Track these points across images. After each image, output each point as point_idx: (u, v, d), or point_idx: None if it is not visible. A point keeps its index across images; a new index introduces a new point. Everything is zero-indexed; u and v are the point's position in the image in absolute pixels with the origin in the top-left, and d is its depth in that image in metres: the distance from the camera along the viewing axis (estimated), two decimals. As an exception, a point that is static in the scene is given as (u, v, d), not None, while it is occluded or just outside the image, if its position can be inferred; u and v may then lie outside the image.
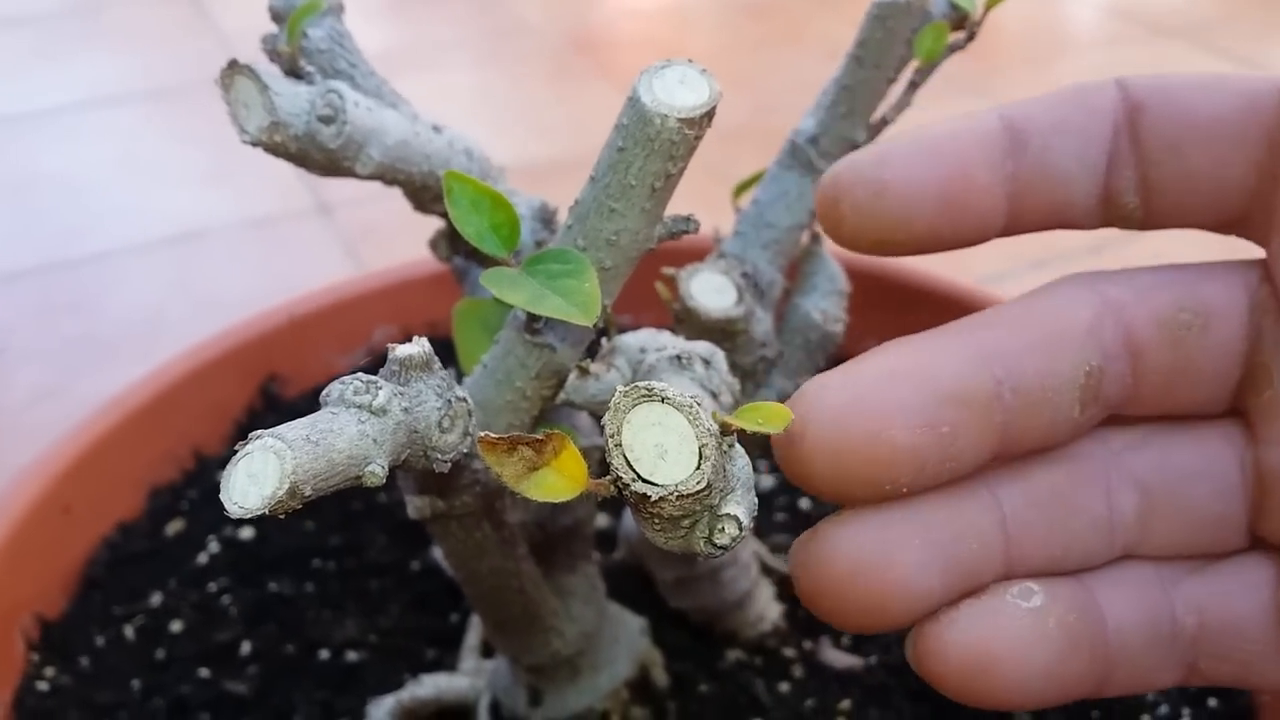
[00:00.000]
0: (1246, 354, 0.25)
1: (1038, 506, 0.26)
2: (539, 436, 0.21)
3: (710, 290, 0.37)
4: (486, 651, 0.47)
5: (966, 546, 0.25)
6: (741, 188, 0.42)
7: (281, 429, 0.20)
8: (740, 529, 0.21)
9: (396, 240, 0.69)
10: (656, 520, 0.21)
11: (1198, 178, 0.25)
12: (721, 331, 0.37)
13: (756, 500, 0.22)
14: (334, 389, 0.22)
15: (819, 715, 0.44)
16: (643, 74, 0.25)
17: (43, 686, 0.46)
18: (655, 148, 0.25)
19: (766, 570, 0.49)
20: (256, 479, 0.20)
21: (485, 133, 0.41)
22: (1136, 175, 0.25)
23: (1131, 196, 0.25)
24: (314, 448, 0.20)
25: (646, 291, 0.38)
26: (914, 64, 0.37)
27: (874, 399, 0.23)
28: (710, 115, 0.25)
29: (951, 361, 0.24)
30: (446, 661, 0.47)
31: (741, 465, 0.22)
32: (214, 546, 0.53)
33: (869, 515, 0.24)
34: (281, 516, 0.20)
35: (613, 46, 1.31)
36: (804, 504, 0.54)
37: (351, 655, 0.48)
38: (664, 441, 0.20)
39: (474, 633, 0.48)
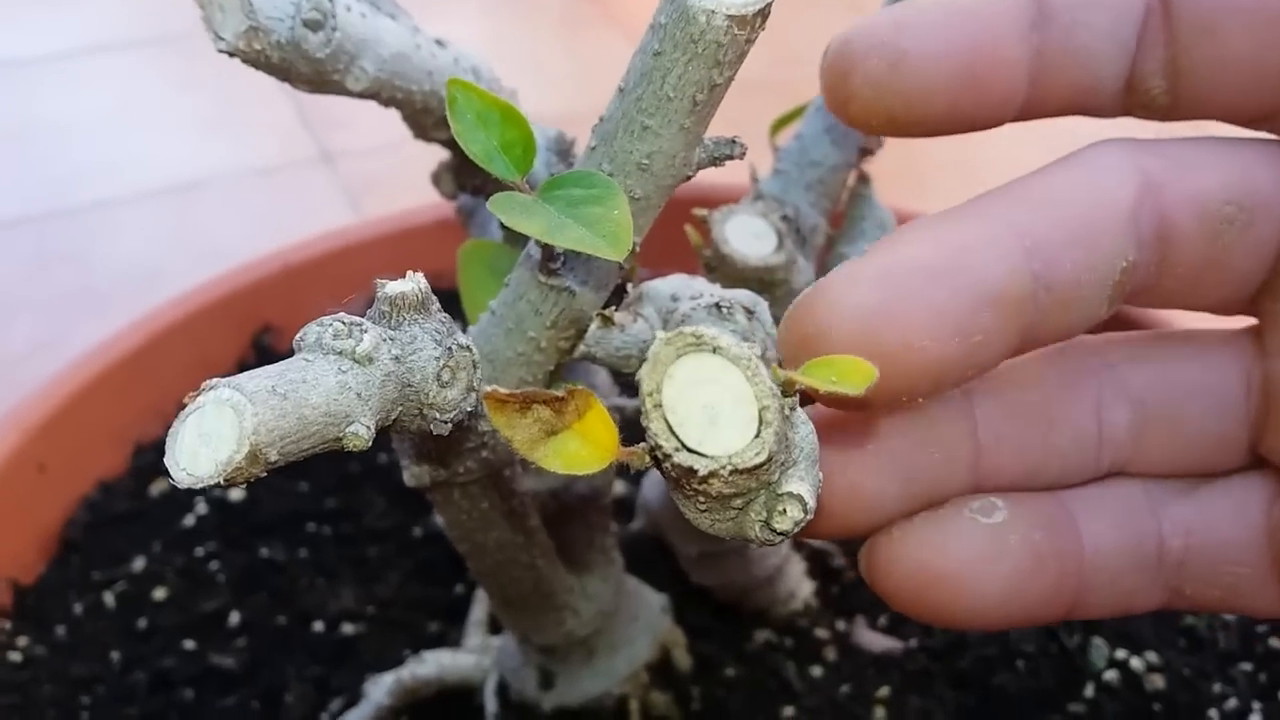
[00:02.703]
0: (1278, 256, 0.23)
1: (1015, 418, 0.24)
2: (558, 394, 0.17)
3: (747, 235, 0.33)
4: (494, 627, 0.43)
5: (928, 454, 0.23)
6: (780, 123, 0.38)
7: (241, 378, 0.17)
8: (805, 511, 0.17)
9: (401, 191, 0.66)
10: (702, 499, 0.17)
11: (1233, 63, 0.22)
12: (759, 281, 0.33)
13: (821, 475, 0.18)
14: (309, 331, 0.18)
15: (855, 703, 0.40)
16: (686, -39, 0.21)
17: (15, 657, 0.43)
18: (699, 51, 0.21)
19: (797, 544, 0.45)
20: (210, 439, 0.16)
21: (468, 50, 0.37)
22: (1166, 57, 0.23)
23: (1159, 81, 0.23)
24: (281, 401, 0.16)
25: (669, 240, 0.34)
26: None
27: (906, 304, 0.21)
28: (765, 14, 0.21)
29: (990, 257, 0.21)
30: (450, 636, 0.44)
31: (805, 433, 0.18)
32: (201, 508, 0.49)
33: (827, 420, 0.22)
34: (240, 485, 0.16)
35: (624, -6, 1.26)
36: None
37: (348, 628, 0.45)
38: (715, 402, 0.16)
39: (480, 606, 0.44)
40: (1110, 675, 0.41)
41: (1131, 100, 0.24)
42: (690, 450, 0.16)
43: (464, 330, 0.27)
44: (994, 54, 0.23)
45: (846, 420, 0.22)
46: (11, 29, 1.16)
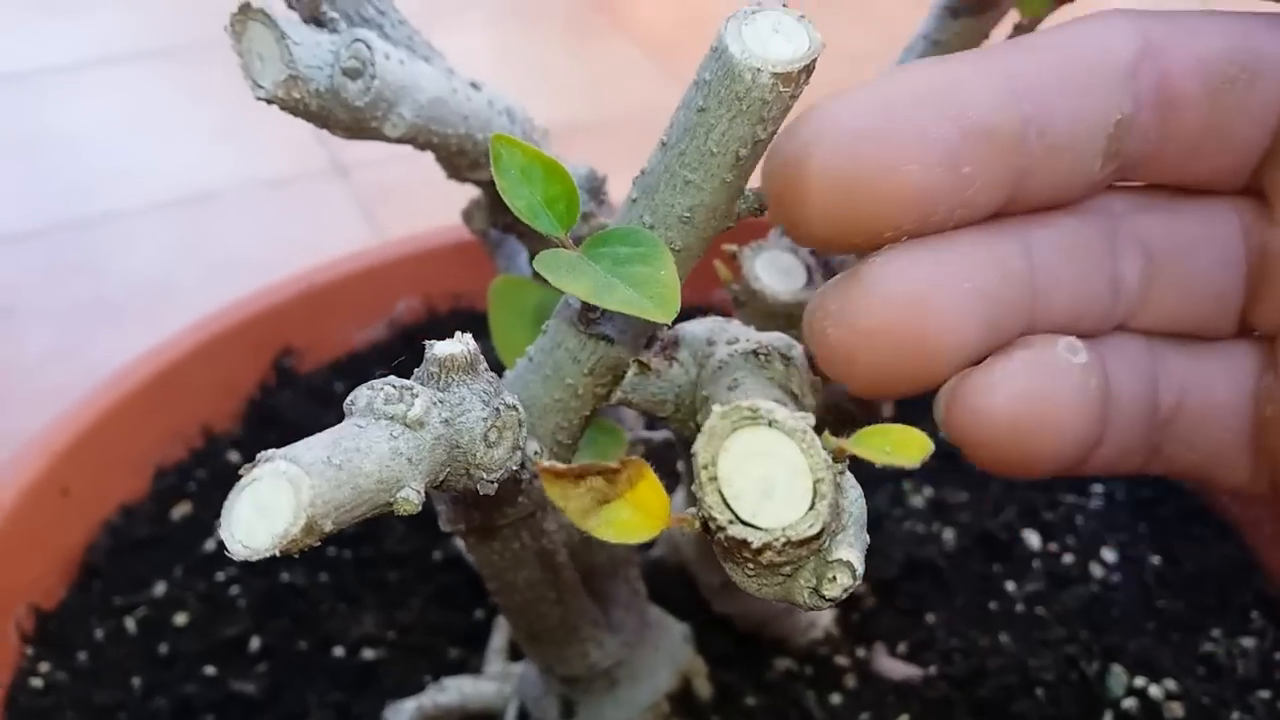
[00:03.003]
0: None
1: (1066, 258, 0.23)
2: (611, 465, 0.17)
3: (777, 270, 0.33)
4: (514, 653, 0.43)
5: (1006, 292, 0.22)
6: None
7: (297, 449, 0.17)
8: (854, 577, 0.18)
9: (416, 202, 0.66)
10: (751, 565, 0.17)
11: None
12: (788, 317, 0.33)
13: (869, 539, 0.18)
14: (360, 396, 0.18)
15: (874, 731, 0.41)
16: (729, 20, 0.21)
17: (37, 683, 0.43)
18: (744, 108, 0.21)
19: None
20: (266, 512, 0.16)
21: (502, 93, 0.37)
22: None
23: None
24: (337, 473, 0.17)
25: (702, 268, 0.34)
26: (1014, 17, 0.33)
27: (893, 126, 0.20)
28: (810, 69, 0.21)
29: (980, 89, 0.21)
30: (471, 662, 0.44)
31: (854, 498, 0.18)
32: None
33: (905, 253, 0.21)
34: (295, 556, 0.16)
35: (632, 3, 1.26)
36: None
37: (368, 653, 0.45)
38: (770, 475, 0.16)
39: (500, 633, 0.44)
40: (1129, 703, 0.41)
41: None
42: (744, 523, 0.16)
43: (500, 370, 0.27)
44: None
45: (928, 259, 0.22)
46: (23, 39, 1.16)
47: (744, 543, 0.16)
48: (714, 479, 0.16)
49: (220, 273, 0.79)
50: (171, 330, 0.53)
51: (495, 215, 0.34)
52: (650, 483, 0.17)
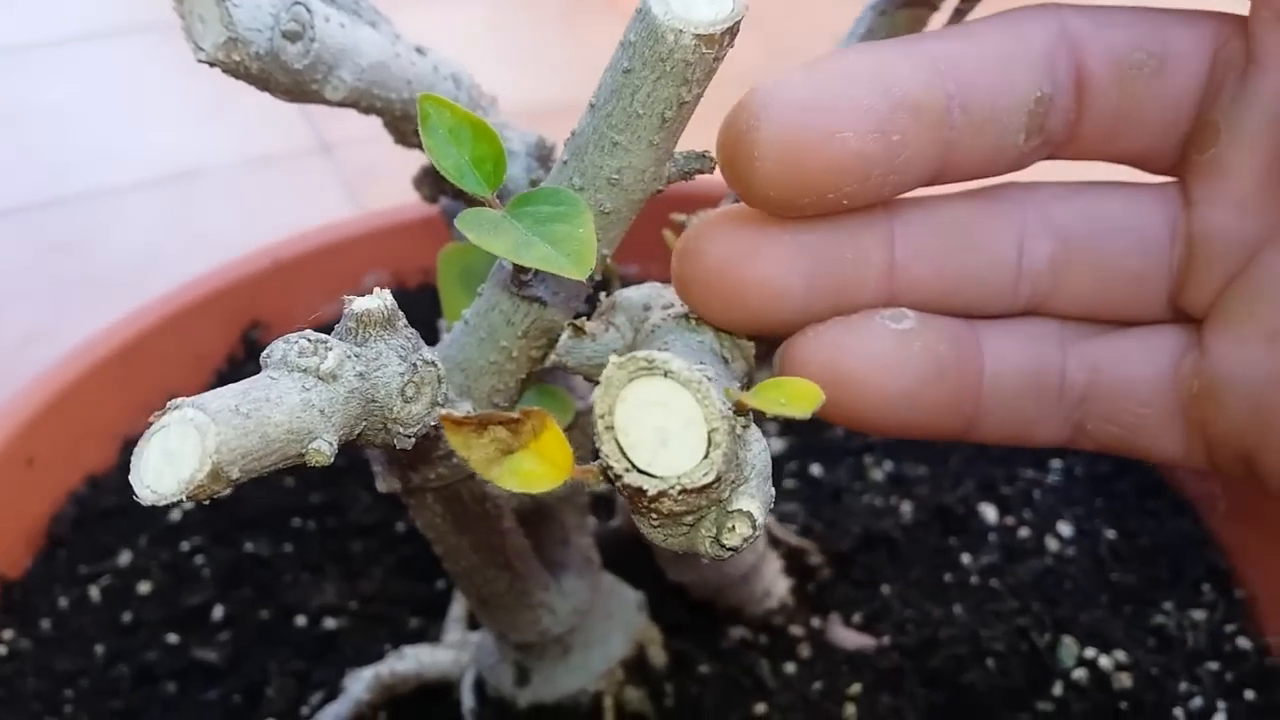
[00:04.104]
0: (1198, 108, 0.25)
1: (935, 235, 0.25)
2: (514, 415, 0.17)
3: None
4: (473, 623, 0.44)
5: (840, 255, 0.24)
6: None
7: (205, 397, 0.17)
8: (754, 527, 0.18)
9: (400, 180, 0.66)
10: (654, 515, 0.18)
11: None
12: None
13: (773, 491, 0.19)
14: (275, 348, 0.19)
15: (826, 700, 0.41)
16: (653, -18, 0.21)
17: (0, 651, 0.43)
18: (667, 69, 0.21)
19: (774, 542, 0.46)
20: (173, 458, 0.16)
21: (491, 72, 0.37)
22: None
23: None
24: (244, 421, 0.17)
25: (656, 237, 0.34)
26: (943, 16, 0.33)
27: (830, 98, 0.23)
28: (733, 32, 0.21)
29: (907, 69, 0.23)
30: (431, 631, 0.45)
31: (758, 451, 0.18)
32: (187, 503, 0.50)
33: (749, 214, 0.24)
34: (205, 502, 0.16)
35: (627, -18, 1.26)
36: (815, 470, 0.51)
37: (330, 622, 0.45)
38: (666, 424, 0.17)
39: (459, 603, 0.45)
40: (1079, 674, 0.42)
41: None
42: (640, 471, 0.17)
43: (447, 332, 0.27)
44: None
45: (763, 215, 0.24)
46: (7, 14, 1.15)
47: (640, 490, 0.17)
48: (610, 428, 0.17)
49: (204, 250, 0.78)
50: (147, 299, 0.53)
51: (443, 182, 0.34)
52: (553, 433, 0.17)
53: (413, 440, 0.20)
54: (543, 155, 0.33)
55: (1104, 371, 0.26)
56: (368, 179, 0.88)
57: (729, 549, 0.18)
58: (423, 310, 0.57)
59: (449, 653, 0.42)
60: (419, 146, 0.32)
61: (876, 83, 0.23)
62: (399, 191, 0.63)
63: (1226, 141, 0.24)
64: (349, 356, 0.19)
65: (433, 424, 0.21)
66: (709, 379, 0.17)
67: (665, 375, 0.17)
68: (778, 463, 0.51)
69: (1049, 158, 0.26)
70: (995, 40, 0.24)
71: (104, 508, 0.49)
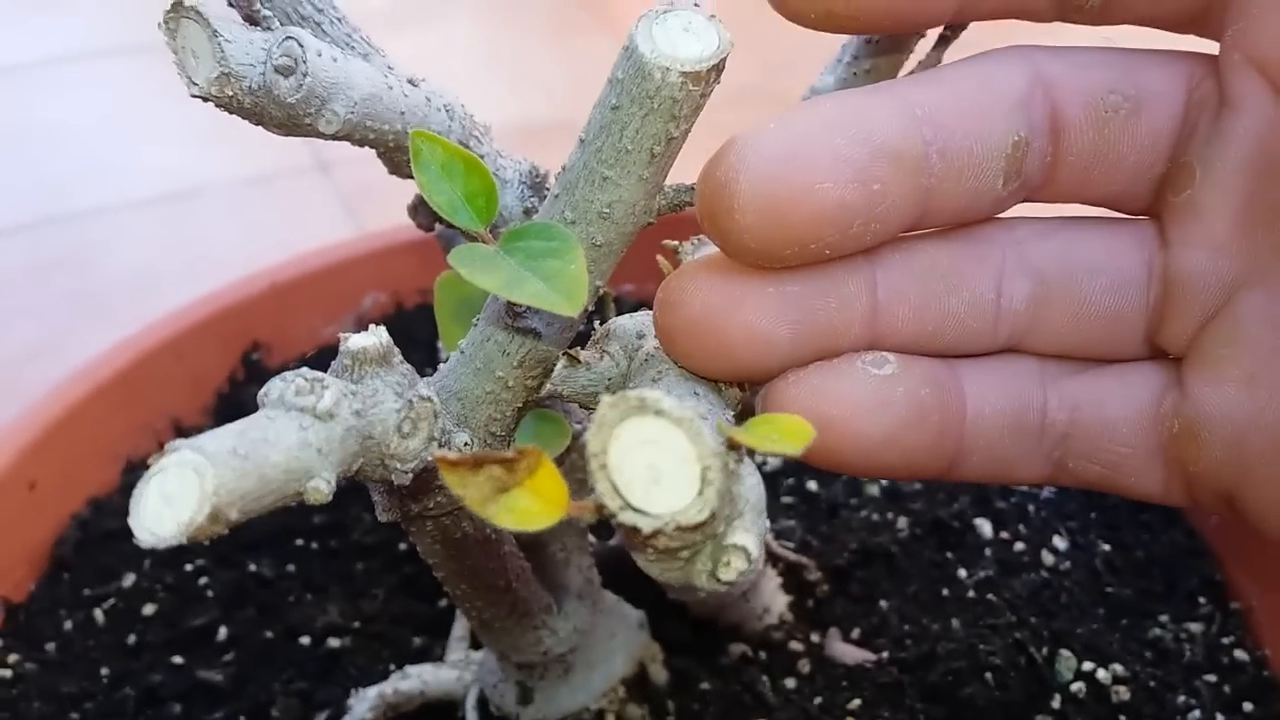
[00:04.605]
0: (1173, 149, 0.25)
1: (915, 278, 0.25)
2: (509, 454, 0.17)
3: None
4: (475, 642, 0.44)
5: (824, 303, 0.24)
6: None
7: (204, 439, 0.17)
8: (749, 561, 0.18)
9: (398, 199, 0.67)
10: (650, 550, 0.18)
11: None
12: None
13: (768, 523, 0.19)
14: (273, 387, 0.19)
15: (826, 715, 0.41)
16: (641, 19, 0.22)
17: (5, 674, 0.44)
18: (655, 106, 0.22)
19: (772, 558, 0.46)
20: (172, 501, 0.17)
21: (483, 90, 0.38)
22: None
23: None
24: (242, 462, 0.17)
25: (651, 259, 0.35)
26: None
27: (809, 149, 0.23)
28: (719, 68, 0.22)
29: (884, 117, 0.24)
30: (434, 651, 0.45)
31: (751, 485, 0.19)
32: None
33: (729, 263, 0.24)
34: (205, 544, 0.17)
35: (615, -1, 1.26)
36: (812, 485, 0.51)
37: (334, 642, 0.45)
38: (659, 462, 0.17)
39: (462, 622, 0.45)
40: (1077, 687, 0.42)
41: (1065, 4, 0.25)
42: (635, 509, 0.17)
43: (444, 361, 0.27)
44: None
45: (748, 271, 0.24)
46: (6, 33, 1.16)
47: (636, 529, 0.17)
48: (604, 467, 0.17)
49: (203, 269, 0.79)
50: (147, 321, 0.53)
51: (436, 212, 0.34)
52: (548, 471, 0.18)
53: (410, 476, 0.21)
54: (536, 183, 0.33)
55: (1084, 410, 0.26)
56: (366, 197, 0.88)
57: (725, 583, 0.18)
58: (422, 331, 0.57)
59: (452, 672, 0.42)
60: (412, 177, 0.33)
61: (855, 131, 0.23)
62: (397, 209, 0.63)
63: (1201, 183, 0.24)
64: (345, 394, 0.19)
65: (430, 459, 0.21)
66: (702, 416, 0.17)
67: (657, 414, 0.17)
68: (774, 479, 0.51)
69: (1025, 200, 0.26)
70: (970, 85, 0.24)
71: (107, 530, 0.49)
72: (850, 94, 0.24)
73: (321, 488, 0.18)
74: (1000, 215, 0.26)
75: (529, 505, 0.18)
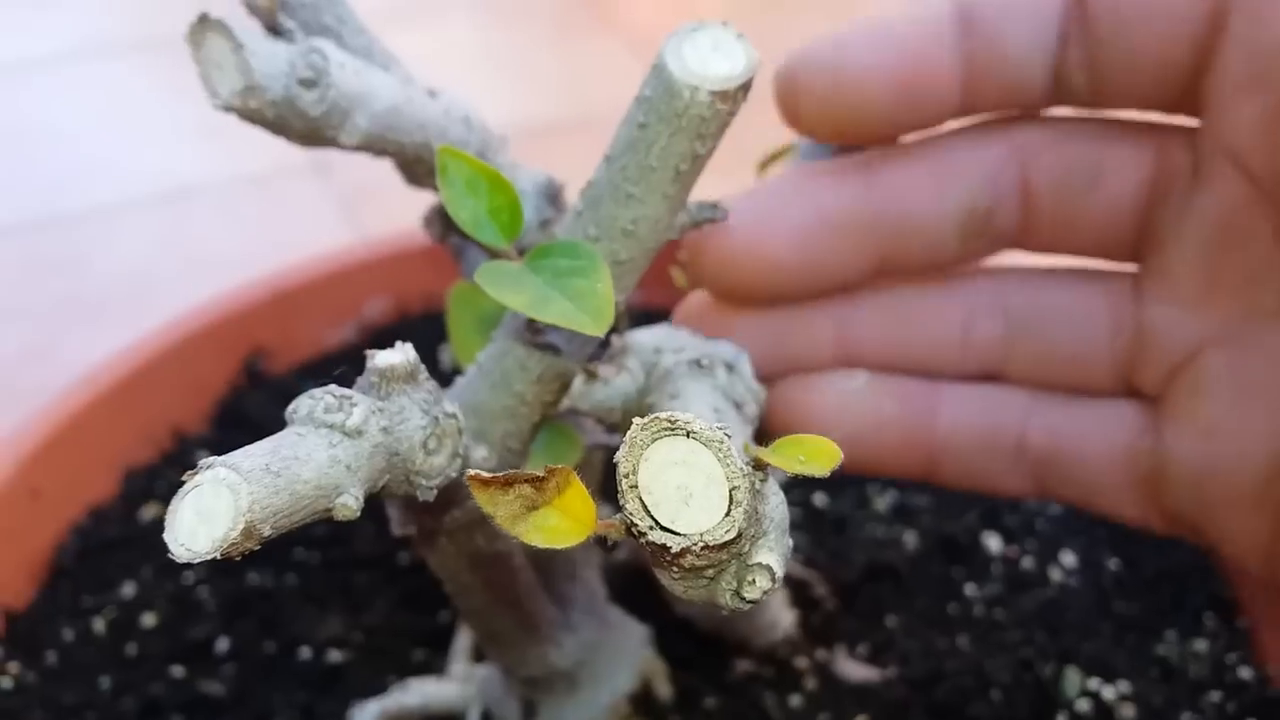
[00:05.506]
0: (1141, 213, 0.27)
1: (881, 316, 0.29)
2: (538, 473, 0.17)
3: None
4: (478, 655, 0.44)
5: (793, 335, 0.29)
6: (768, 161, 0.38)
7: (237, 456, 0.17)
8: (773, 580, 0.18)
9: (396, 201, 0.67)
10: (676, 569, 0.18)
11: (1142, 56, 0.26)
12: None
13: (791, 543, 0.19)
14: (301, 405, 0.19)
15: (832, 732, 0.41)
16: (670, 38, 0.22)
17: (5, 684, 0.43)
18: (682, 124, 0.22)
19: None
20: (206, 517, 0.17)
21: (485, 91, 0.38)
22: (1085, 55, 0.26)
23: (1080, 76, 0.27)
24: (275, 479, 0.17)
25: (659, 267, 0.35)
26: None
27: (765, 215, 0.28)
28: (747, 87, 0.22)
29: (837, 189, 0.28)
30: (435, 664, 0.45)
31: (775, 504, 0.19)
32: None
33: (719, 301, 0.30)
34: (237, 559, 0.17)
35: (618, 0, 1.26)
36: (819, 500, 0.51)
37: (335, 655, 0.45)
38: (688, 483, 0.17)
39: (464, 635, 0.45)
40: (1083, 704, 0.42)
41: (1060, 93, 0.27)
42: (664, 529, 0.17)
43: (449, 360, 0.27)
44: (924, 64, 0.26)
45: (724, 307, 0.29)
46: (1, 32, 1.15)
47: (664, 548, 0.17)
48: (634, 487, 0.17)
49: (199, 270, 0.78)
50: (149, 328, 0.53)
51: (453, 223, 0.34)
52: (577, 489, 0.18)
53: (434, 491, 0.21)
54: (552, 195, 0.33)
55: (1064, 439, 0.28)
56: (364, 197, 0.88)
57: (749, 601, 0.18)
58: (426, 337, 0.57)
59: (454, 685, 0.42)
60: (430, 188, 0.33)
61: (806, 203, 0.27)
62: (396, 209, 0.63)
63: (1172, 249, 0.26)
64: (373, 411, 0.19)
65: (454, 474, 0.21)
66: (728, 436, 0.17)
67: (688, 435, 0.17)
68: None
69: (1013, 247, 0.29)
70: (933, 159, 0.27)
71: (107, 539, 0.49)
72: (813, 167, 0.29)
73: (350, 504, 0.18)
74: (991, 262, 0.30)
75: (558, 523, 0.18)
